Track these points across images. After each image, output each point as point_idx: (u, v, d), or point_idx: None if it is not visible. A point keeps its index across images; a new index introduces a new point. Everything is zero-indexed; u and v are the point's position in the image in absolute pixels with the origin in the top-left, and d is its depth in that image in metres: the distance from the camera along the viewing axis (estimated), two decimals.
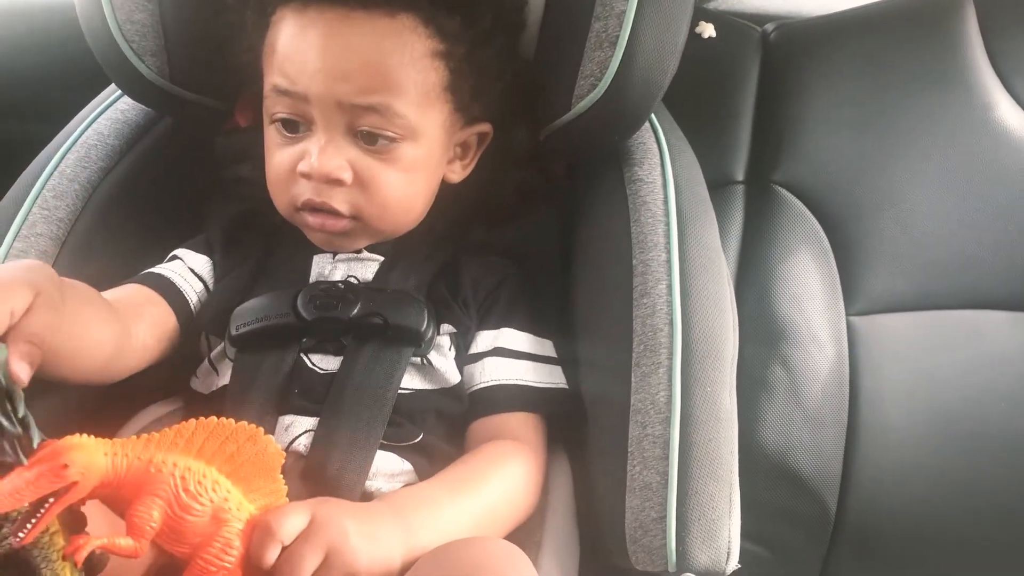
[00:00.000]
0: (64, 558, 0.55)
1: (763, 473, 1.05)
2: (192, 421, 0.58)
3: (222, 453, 0.59)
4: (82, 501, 0.55)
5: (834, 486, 1.10)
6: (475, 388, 0.80)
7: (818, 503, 1.09)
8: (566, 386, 0.82)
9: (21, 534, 0.52)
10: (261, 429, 0.60)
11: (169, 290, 0.81)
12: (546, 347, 0.84)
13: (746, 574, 0.74)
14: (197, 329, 0.82)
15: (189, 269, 0.84)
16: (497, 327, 0.82)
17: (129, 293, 0.80)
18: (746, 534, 0.74)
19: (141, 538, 0.55)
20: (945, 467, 1.11)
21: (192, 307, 0.82)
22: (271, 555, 0.58)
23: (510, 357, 0.81)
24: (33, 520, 0.52)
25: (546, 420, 0.81)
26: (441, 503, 0.69)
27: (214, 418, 0.59)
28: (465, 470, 0.74)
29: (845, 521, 1.10)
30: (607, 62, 0.80)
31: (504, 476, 0.74)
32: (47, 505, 0.52)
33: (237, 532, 0.58)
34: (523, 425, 0.79)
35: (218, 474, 0.58)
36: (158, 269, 0.83)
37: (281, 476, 0.61)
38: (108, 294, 0.77)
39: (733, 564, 0.72)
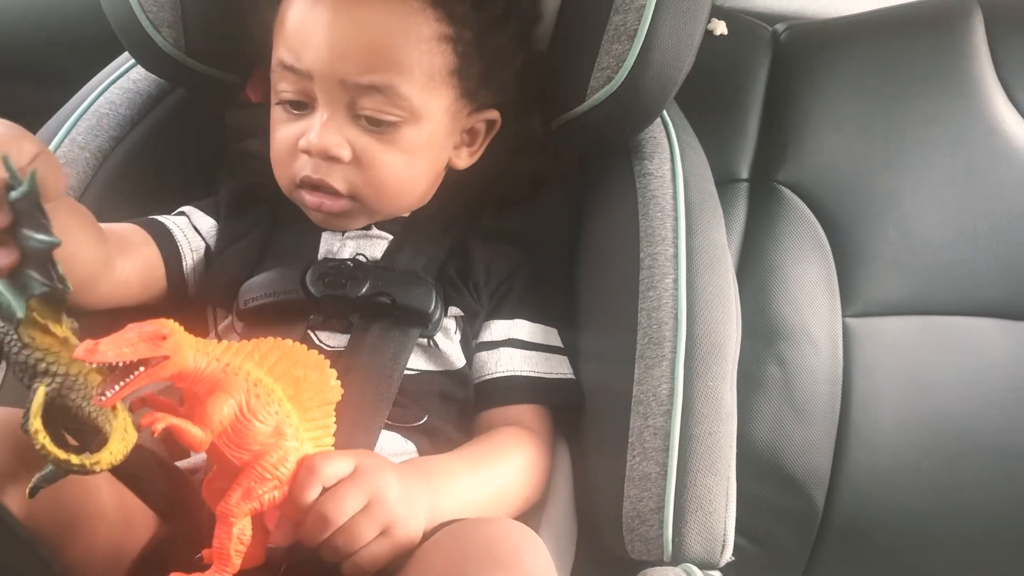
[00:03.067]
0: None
1: (753, 468, 1.06)
2: (269, 339, 0.61)
3: (289, 376, 0.61)
4: (164, 379, 0.57)
5: (823, 484, 1.11)
6: (488, 377, 0.81)
7: (806, 500, 1.11)
8: (572, 376, 0.83)
9: (108, 393, 0.54)
10: (327, 361, 0.62)
11: (165, 239, 0.81)
12: (553, 337, 0.84)
13: (733, 567, 0.76)
14: (203, 300, 0.82)
15: (193, 227, 0.84)
16: (511, 317, 0.83)
17: (125, 229, 0.80)
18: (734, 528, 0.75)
19: (208, 430, 0.57)
20: (932, 470, 1.13)
21: (184, 263, 0.82)
22: (311, 493, 0.60)
23: (524, 348, 0.82)
24: (121, 383, 0.54)
25: (552, 410, 0.82)
26: (461, 477, 0.70)
27: (289, 341, 0.61)
28: (480, 451, 0.75)
29: (832, 519, 1.11)
30: (624, 55, 0.80)
31: (516, 461, 0.76)
32: (136, 373, 0.54)
33: (295, 448, 0.60)
34: (534, 416, 0.80)
35: (283, 393, 0.60)
36: (161, 218, 0.83)
37: (334, 413, 0.63)
38: (104, 226, 0.76)
39: (727, 556, 0.74)
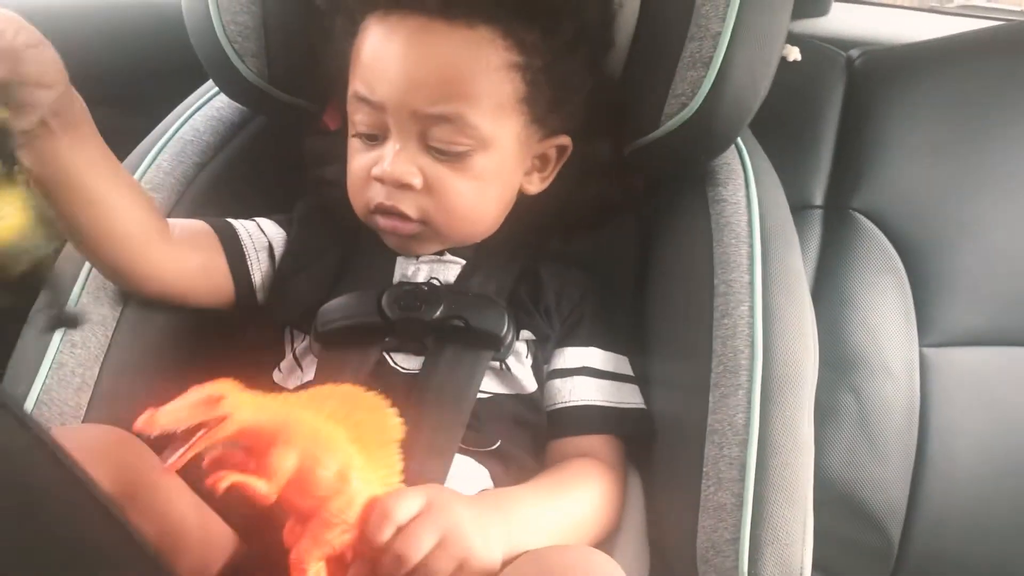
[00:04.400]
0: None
1: (827, 500, 1.02)
2: (325, 387, 0.62)
3: (349, 420, 0.61)
4: (226, 439, 0.58)
5: (899, 519, 1.08)
6: (561, 406, 0.81)
7: (882, 535, 1.08)
8: (644, 406, 0.82)
9: (172, 458, 0.55)
10: (386, 401, 0.62)
11: (228, 235, 0.83)
12: (624, 365, 0.84)
13: None
14: (281, 322, 0.84)
15: (261, 230, 0.86)
16: (584, 345, 0.83)
17: (187, 221, 0.83)
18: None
19: (274, 483, 0.58)
20: (1012, 507, 1.09)
21: (248, 261, 0.84)
22: (385, 534, 0.60)
23: (597, 377, 0.82)
24: (183, 448, 0.55)
25: (624, 440, 0.82)
26: (535, 509, 0.70)
27: (347, 385, 0.62)
28: (554, 482, 0.75)
29: (908, 555, 1.09)
30: (699, 82, 0.80)
31: (590, 493, 0.76)
32: (199, 435, 0.55)
33: (360, 491, 0.60)
34: (606, 446, 0.80)
35: (344, 438, 0.60)
36: (234, 223, 0.85)
37: (399, 450, 0.63)
38: (171, 220, 0.80)
39: None
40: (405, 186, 0.78)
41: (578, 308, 0.85)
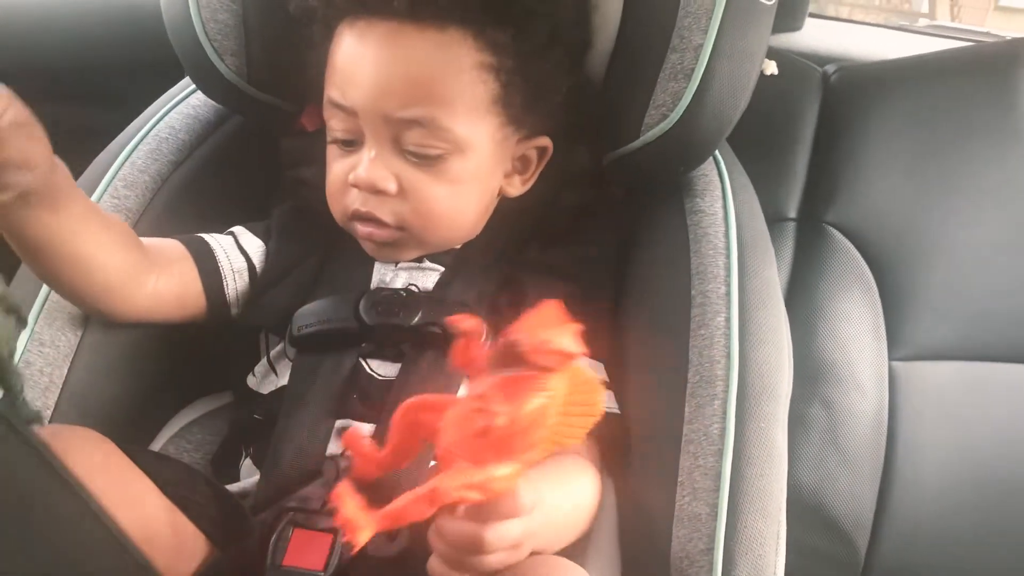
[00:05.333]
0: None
1: (795, 510, 1.03)
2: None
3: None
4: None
5: (865, 529, 1.10)
6: None
7: (848, 545, 1.10)
8: (618, 411, 0.82)
9: None
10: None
11: (205, 257, 0.82)
12: (600, 371, 0.84)
13: None
14: (257, 326, 0.83)
15: (238, 246, 0.84)
16: None
17: (164, 244, 0.81)
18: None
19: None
20: (978, 520, 1.11)
21: (225, 283, 0.82)
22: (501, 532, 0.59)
23: None
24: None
25: (598, 444, 0.81)
26: (554, 503, 0.69)
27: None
28: (554, 471, 0.73)
29: (874, 565, 1.10)
30: (680, 94, 0.80)
31: (584, 480, 0.75)
32: None
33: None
34: (580, 448, 0.79)
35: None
36: (206, 236, 0.84)
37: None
38: (146, 240, 0.79)
39: None
40: (380, 191, 0.78)
41: None
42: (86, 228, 0.70)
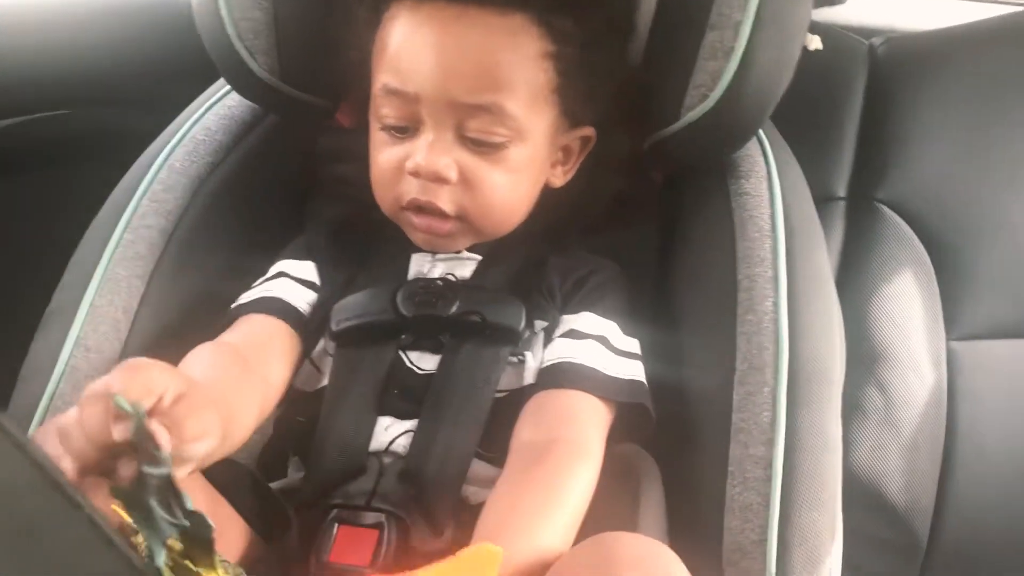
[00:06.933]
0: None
1: (854, 497, 1.00)
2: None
3: None
4: None
5: (927, 515, 1.07)
6: (541, 366, 0.77)
7: (909, 532, 1.06)
8: (643, 380, 0.78)
9: None
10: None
11: (291, 314, 0.80)
12: (628, 344, 0.80)
13: None
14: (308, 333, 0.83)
15: (298, 281, 0.83)
16: (576, 311, 0.79)
17: (255, 332, 0.78)
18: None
19: None
20: None
21: (305, 321, 0.81)
22: None
23: (580, 339, 0.77)
24: None
25: (616, 410, 0.76)
26: (534, 527, 0.65)
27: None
28: (544, 486, 0.68)
29: (937, 551, 1.07)
30: (720, 73, 0.78)
31: (577, 489, 0.69)
32: None
33: None
34: (582, 406, 0.74)
35: None
36: (276, 292, 0.81)
37: None
38: (235, 336, 0.77)
39: None
40: (441, 179, 0.77)
41: (580, 281, 0.81)
42: (239, 432, 0.67)
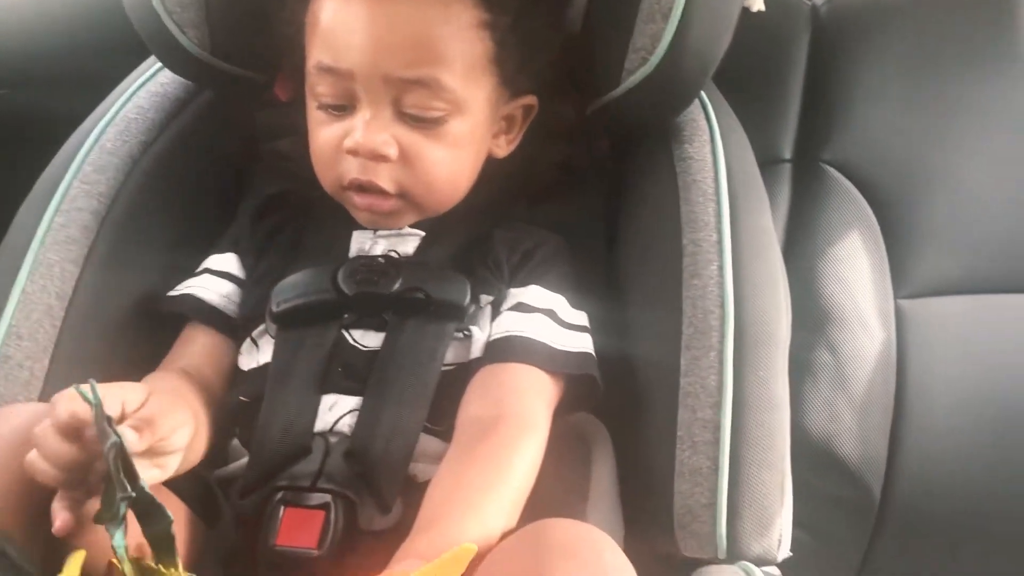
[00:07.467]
0: None
1: (806, 457, 1.03)
2: None
3: None
4: None
5: (879, 472, 1.08)
6: (489, 339, 0.76)
7: (862, 489, 1.08)
8: (591, 351, 0.77)
9: None
10: None
11: (216, 317, 0.80)
12: (576, 316, 0.79)
13: (790, 561, 0.73)
14: (242, 317, 0.81)
15: (215, 274, 0.83)
16: (524, 284, 0.79)
17: (190, 349, 0.80)
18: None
19: None
20: (993, 455, 1.09)
21: (232, 315, 0.81)
22: None
23: (528, 312, 0.77)
24: None
25: (565, 382, 0.76)
26: (479, 504, 0.64)
27: None
28: (489, 462, 0.68)
29: (889, 507, 1.08)
30: (659, 35, 0.77)
31: (522, 464, 0.68)
32: None
33: None
34: (529, 380, 0.74)
35: None
36: (198, 292, 0.81)
37: None
38: (176, 357, 0.79)
39: (785, 551, 0.72)
40: (380, 157, 0.75)
41: (527, 254, 0.81)
42: (196, 428, 0.67)
